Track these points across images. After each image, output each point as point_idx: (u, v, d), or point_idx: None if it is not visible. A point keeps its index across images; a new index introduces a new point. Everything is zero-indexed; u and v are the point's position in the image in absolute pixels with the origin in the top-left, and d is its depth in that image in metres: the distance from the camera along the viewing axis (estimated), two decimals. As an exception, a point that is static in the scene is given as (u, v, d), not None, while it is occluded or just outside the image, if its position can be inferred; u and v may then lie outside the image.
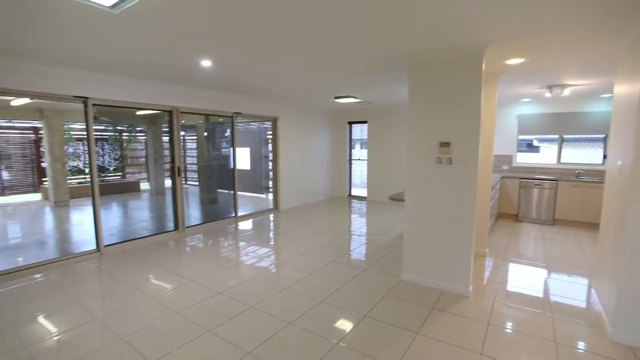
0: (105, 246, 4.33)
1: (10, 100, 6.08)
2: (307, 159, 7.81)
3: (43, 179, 8.65)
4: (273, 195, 7.21)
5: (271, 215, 6.65)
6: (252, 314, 2.76)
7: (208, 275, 3.56)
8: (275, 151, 7.02)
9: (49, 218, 6.99)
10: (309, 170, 7.91)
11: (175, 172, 5.19)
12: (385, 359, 2.18)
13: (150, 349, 2.28)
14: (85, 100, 3.97)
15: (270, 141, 7.22)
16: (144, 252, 4.32)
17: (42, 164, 8.67)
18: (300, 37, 2.67)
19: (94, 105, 4.06)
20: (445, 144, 3.09)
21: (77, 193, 8.13)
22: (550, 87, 4.74)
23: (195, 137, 8.47)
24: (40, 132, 8.15)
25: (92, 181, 4.20)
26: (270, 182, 7.37)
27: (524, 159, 6.87)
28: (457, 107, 3.00)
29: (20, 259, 4.28)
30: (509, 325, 2.61)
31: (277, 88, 5.13)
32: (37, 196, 8.67)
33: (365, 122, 8.33)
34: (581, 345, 2.35)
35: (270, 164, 7.33)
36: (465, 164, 3.01)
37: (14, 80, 3.40)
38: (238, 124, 6.15)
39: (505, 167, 6.84)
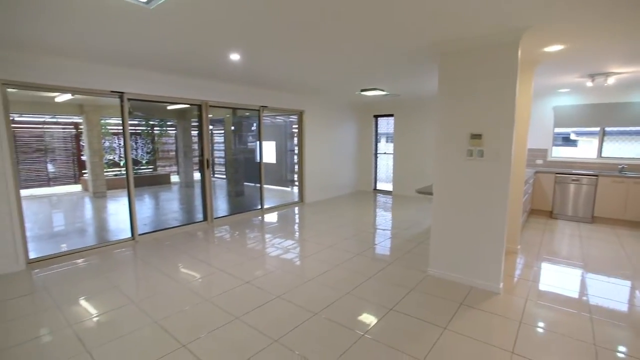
0: (140, 235, 4.54)
1: (54, 97, 6.47)
2: (332, 153, 7.80)
3: (83, 171, 9.17)
4: (298, 188, 7.27)
5: (296, 208, 6.71)
6: (279, 303, 2.81)
7: (236, 265, 3.66)
8: (300, 144, 7.06)
9: (88, 208, 7.41)
10: (334, 163, 7.90)
11: (204, 165, 5.34)
12: (411, 352, 2.16)
13: (182, 332, 2.38)
14: (121, 95, 4.15)
15: (295, 135, 7.27)
16: (175, 241, 4.49)
17: (82, 157, 9.19)
18: (326, 28, 2.66)
19: (129, 99, 4.24)
20: (476, 136, 2.98)
21: (113, 185, 8.55)
22: (592, 76, 4.45)
23: (222, 131, 8.67)
24: (80, 127, 8.63)
25: (127, 173, 4.40)
26: (296, 176, 7.43)
27: (560, 153, 6.52)
28: (490, 97, 2.88)
29: (63, 245, 4.58)
30: (543, 324, 2.51)
31: (303, 81, 5.13)
32: (77, 187, 9.21)
33: (391, 115, 8.20)
34: (624, 349, 2.23)
35: (295, 157, 7.39)
36: (497, 156, 2.90)
37: (58, 78, 3.62)
38: (264, 117, 6.22)
39: (540, 162, 6.52)
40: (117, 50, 3.31)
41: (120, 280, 3.28)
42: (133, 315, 2.61)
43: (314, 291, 3.03)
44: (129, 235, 4.48)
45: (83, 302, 2.84)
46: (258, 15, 2.41)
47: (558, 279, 3.32)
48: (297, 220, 5.86)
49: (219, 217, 5.63)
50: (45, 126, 9.03)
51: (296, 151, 7.30)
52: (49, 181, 9.10)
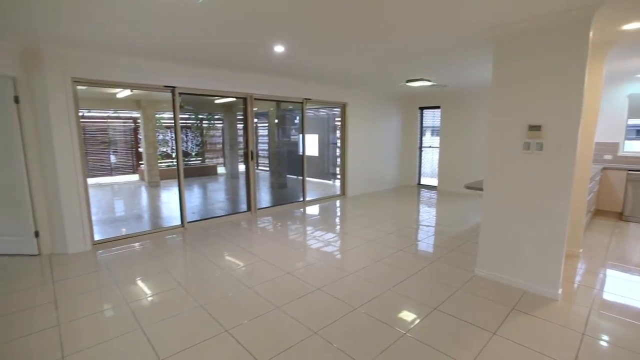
0: (188, 222, 4.80)
1: (116, 94, 7.00)
2: (375, 146, 7.65)
3: (140, 162, 9.91)
4: (340, 181, 7.24)
5: (338, 202, 6.69)
6: (319, 295, 2.81)
7: (277, 255, 3.72)
8: (343, 137, 7.00)
9: (144, 196, 7.98)
10: (377, 157, 7.74)
11: (248, 157, 5.49)
12: (457, 356, 2.05)
13: (225, 318, 2.46)
14: (172, 89, 4.38)
15: (338, 128, 7.22)
16: (220, 230, 4.68)
17: (139, 149, 9.91)
18: (372, 15, 2.56)
19: (180, 94, 4.46)
20: (535, 128, 2.73)
21: (165, 175, 9.12)
22: (679, 59, 3.88)
23: (267, 124, 8.87)
24: (138, 121, 9.29)
25: (177, 165, 4.65)
26: (338, 169, 7.40)
27: (634, 147, 5.80)
28: (553, 85, 2.61)
29: (123, 229, 4.98)
30: (611, 339, 2.25)
31: (347, 73, 5.05)
32: (135, 177, 9.97)
33: (437, 107, 7.83)
34: None
35: (338, 150, 7.35)
36: (559, 150, 2.63)
37: (120, 74, 3.90)
38: (307, 110, 6.24)
39: (608, 157, 5.86)
40: (169, 46, 3.47)
41: (170, 264, 3.49)
42: (181, 298, 2.76)
43: (355, 285, 2.99)
44: (179, 222, 4.75)
45: (138, 283, 3.06)
46: (302, 5, 2.38)
47: (628, 288, 2.97)
48: (338, 214, 5.84)
49: (262, 208, 5.78)
50: (109, 120, 9.87)
51: (339, 144, 7.25)
52: (111, 171, 9.95)
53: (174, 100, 4.43)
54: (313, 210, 6.01)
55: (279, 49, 3.55)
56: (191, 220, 4.91)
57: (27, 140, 3.54)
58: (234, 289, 2.93)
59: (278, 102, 6.80)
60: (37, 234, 3.67)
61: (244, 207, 5.72)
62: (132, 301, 2.71)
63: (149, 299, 2.77)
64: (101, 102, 8.01)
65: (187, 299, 2.75)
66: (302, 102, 6.04)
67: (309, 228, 4.90)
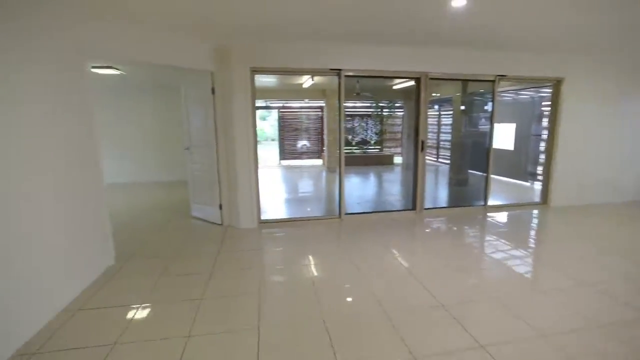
0: (346, 214, 4.58)
1: (302, 84, 7.60)
2: (606, 138, 5.22)
3: (323, 148, 10.73)
4: (542, 185, 5.39)
5: (535, 212, 5.01)
6: (481, 357, 1.91)
7: (432, 274, 2.92)
8: (553, 126, 5.11)
9: (319, 180, 8.50)
10: (606, 154, 5.28)
11: (418, 147, 4.74)
12: None
13: (341, 345, 1.98)
14: (338, 72, 4.16)
15: (545, 115, 5.35)
16: (377, 227, 4.21)
17: (323, 136, 10.73)
18: None
19: (346, 76, 4.20)
20: None
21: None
22: None
23: (451, 112, 7.73)
24: (324, 110, 9.99)
25: (339, 153, 4.47)
26: (540, 168, 5.54)
27: None
28: None
29: (309, 209, 5.35)
30: None
31: (568, 30, 3.46)
32: (319, 162, 10.89)
33: None
34: None
35: (542, 144, 5.49)
36: None
37: (288, 60, 4.00)
38: (504, 94, 4.84)
39: None
40: (335, 27, 3.23)
41: (313, 257, 3.31)
42: (306, 301, 2.47)
43: (547, 358, 1.90)
44: (337, 213, 4.61)
45: (277, 269, 3.04)
46: None
47: None
48: (533, 229, 4.32)
49: (431, 208, 4.96)
50: (301, 110, 11.11)
51: (544, 136, 5.39)
52: (300, 155, 11.25)
53: (339, 83, 4.22)
54: (497, 218, 4.68)
55: (458, 2, 2.65)
56: (350, 212, 4.69)
57: (218, 127, 4.10)
58: (363, 307, 2.40)
59: (464, 81, 5.66)
60: (220, 207, 4.28)
61: (409, 203, 5.05)
62: (265, 292, 2.64)
63: (278, 291, 2.65)
64: (289, 93, 8.96)
65: (313, 305, 2.42)
66: (493, 81, 4.70)
67: (486, 244, 3.77)
